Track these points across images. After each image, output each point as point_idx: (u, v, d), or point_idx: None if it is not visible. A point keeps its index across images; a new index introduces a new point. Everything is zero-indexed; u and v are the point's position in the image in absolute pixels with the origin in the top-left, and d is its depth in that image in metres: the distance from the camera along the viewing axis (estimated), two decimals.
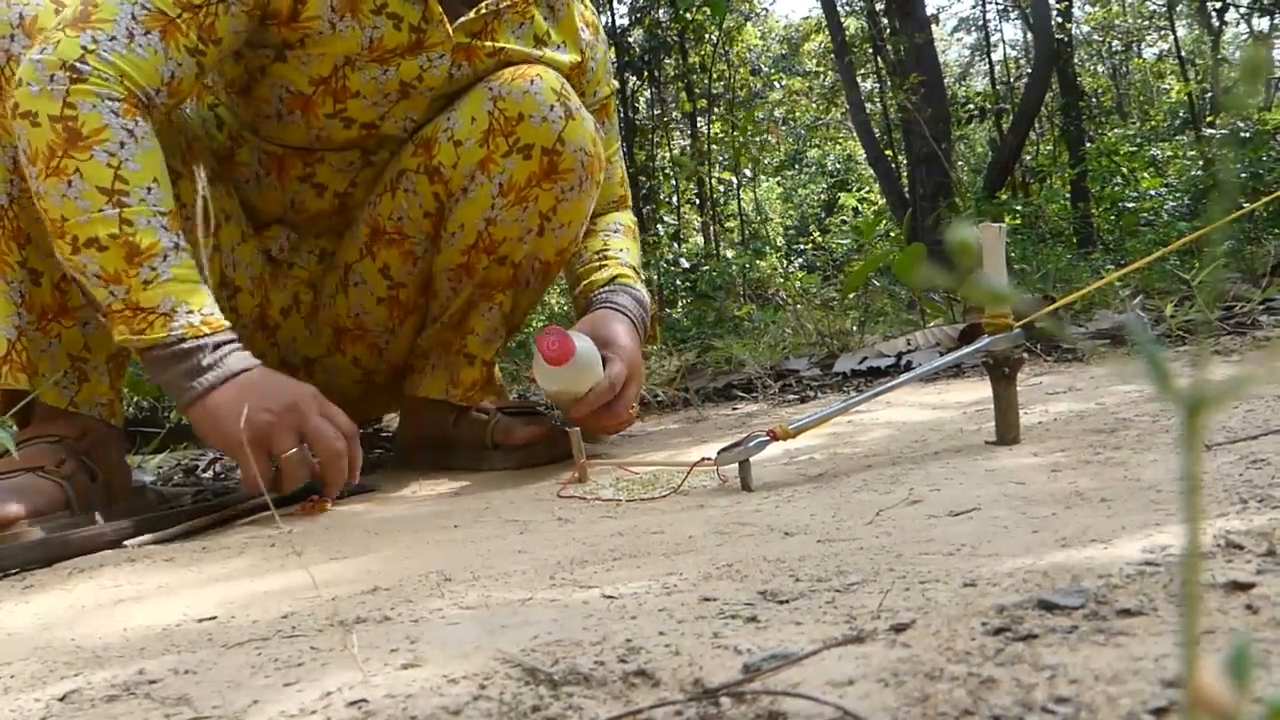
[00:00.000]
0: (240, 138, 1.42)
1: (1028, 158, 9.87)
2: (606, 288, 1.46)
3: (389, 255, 1.44)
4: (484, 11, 1.36)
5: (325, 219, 1.47)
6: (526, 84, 1.33)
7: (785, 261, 7.66)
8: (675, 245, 6.32)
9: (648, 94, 7.24)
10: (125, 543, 1.08)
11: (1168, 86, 12.37)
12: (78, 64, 1.12)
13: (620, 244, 1.55)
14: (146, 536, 1.10)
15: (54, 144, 1.11)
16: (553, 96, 1.34)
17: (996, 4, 12.00)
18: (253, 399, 1.09)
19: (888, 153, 8.59)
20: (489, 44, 1.38)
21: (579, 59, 1.49)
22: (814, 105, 11.08)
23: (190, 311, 1.12)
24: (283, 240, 1.49)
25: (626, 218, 1.63)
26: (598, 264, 1.51)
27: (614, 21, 6.74)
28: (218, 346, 1.13)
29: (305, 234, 1.50)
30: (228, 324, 1.16)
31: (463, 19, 1.35)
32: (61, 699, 0.55)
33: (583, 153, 1.36)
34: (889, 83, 8.02)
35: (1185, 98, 9.81)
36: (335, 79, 1.32)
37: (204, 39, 1.21)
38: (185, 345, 1.11)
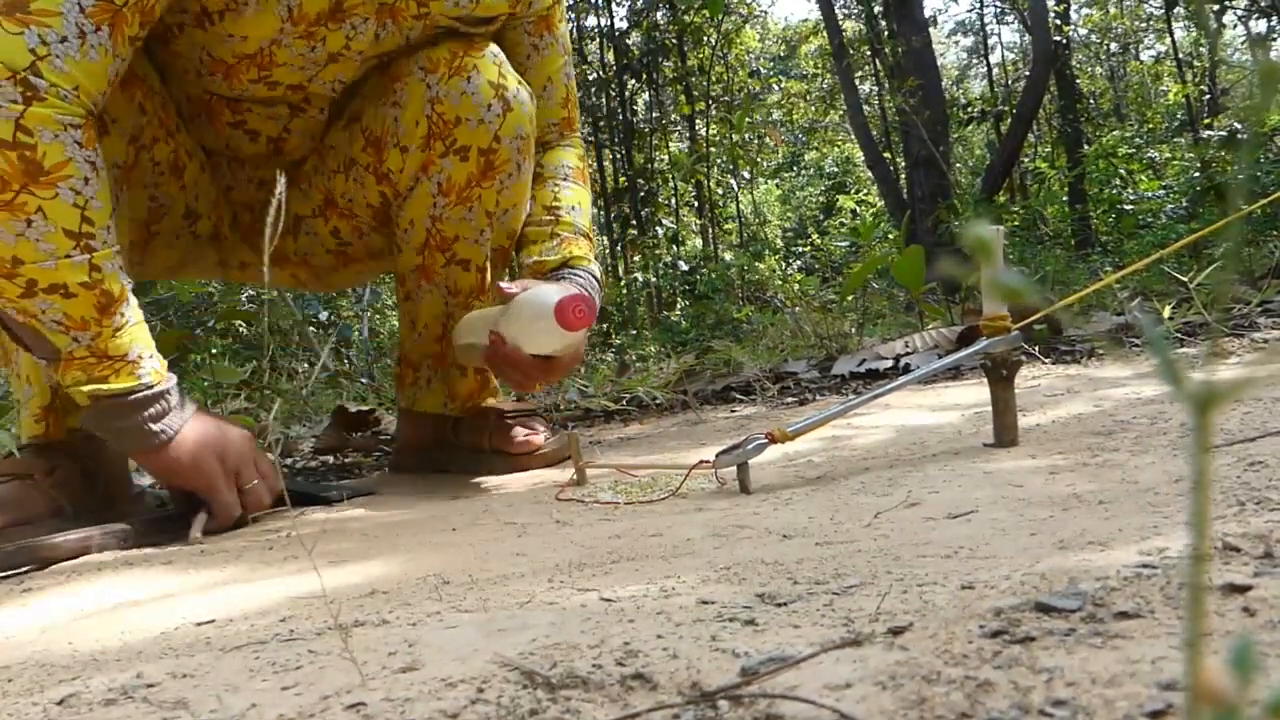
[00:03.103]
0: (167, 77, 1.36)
1: (1026, 160, 9.88)
2: (561, 271, 1.39)
3: (340, 224, 1.47)
4: None
5: (264, 160, 1.45)
6: (463, 83, 1.31)
7: (784, 264, 7.66)
8: (674, 248, 6.32)
9: (646, 96, 7.24)
10: (121, 546, 1.08)
11: (1165, 89, 12.39)
12: (31, 77, 1.00)
13: (572, 198, 1.47)
14: (144, 540, 1.10)
15: (7, 174, 0.99)
16: (490, 93, 1.32)
17: (995, 6, 12.02)
18: (209, 446, 1.13)
19: (886, 155, 8.60)
20: (414, 5, 1.30)
21: None
22: (812, 108, 11.09)
23: (151, 357, 1.10)
24: (224, 169, 1.46)
25: (573, 156, 1.52)
26: (548, 230, 1.43)
27: (613, 24, 6.75)
28: (167, 393, 1.12)
29: (246, 166, 1.47)
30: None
31: None
32: (59, 703, 0.55)
33: (518, 139, 1.35)
34: (887, 85, 8.03)
35: (1183, 100, 9.82)
36: (261, 55, 1.27)
37: (144, 24, 1.11)
38: (151, 392, 1.09)
